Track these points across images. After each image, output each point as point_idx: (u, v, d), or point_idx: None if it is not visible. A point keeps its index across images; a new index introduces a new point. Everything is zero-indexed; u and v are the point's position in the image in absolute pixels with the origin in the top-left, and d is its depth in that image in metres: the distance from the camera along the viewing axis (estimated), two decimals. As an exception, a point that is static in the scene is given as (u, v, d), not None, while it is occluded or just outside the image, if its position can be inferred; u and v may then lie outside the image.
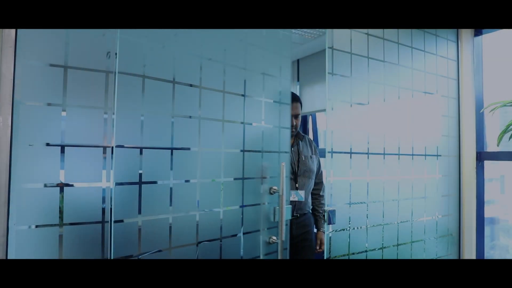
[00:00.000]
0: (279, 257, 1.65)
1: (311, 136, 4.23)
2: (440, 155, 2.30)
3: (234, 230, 1.59)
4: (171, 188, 1.41)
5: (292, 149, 2.20)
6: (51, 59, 1.17)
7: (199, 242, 1.47)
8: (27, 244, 1.13)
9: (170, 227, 1.40)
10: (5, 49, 1.08)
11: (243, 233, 1.62)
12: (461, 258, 2.38)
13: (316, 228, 2.43)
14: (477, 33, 2.57)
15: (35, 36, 1.15)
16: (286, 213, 1.63)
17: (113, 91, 1.26)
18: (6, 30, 1.08)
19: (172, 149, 1.40)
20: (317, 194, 2.43)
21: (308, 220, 2.32)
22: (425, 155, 2.21)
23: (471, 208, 2.40)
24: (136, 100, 1.32)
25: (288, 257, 1.74)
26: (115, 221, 1.26)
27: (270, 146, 1.71)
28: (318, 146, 3.78)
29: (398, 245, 2.04)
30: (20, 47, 1.13)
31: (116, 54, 1.27)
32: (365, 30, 1.94)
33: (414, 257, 2.12)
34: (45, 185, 1.15)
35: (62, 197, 1.18)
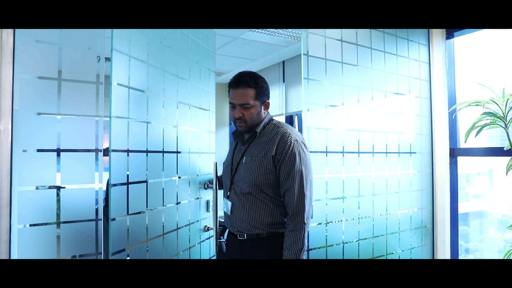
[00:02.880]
0: (214, 243, 1.89)
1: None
2: (414, 152, 2.45)
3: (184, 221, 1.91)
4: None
5: (242, 147, 1.73)
6: (46, 73, 1.29)
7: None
8: (27, 241, 1.25)
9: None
10: (4, 65, 1.20)
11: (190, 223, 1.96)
12: (435, 247, 2.54)
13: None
14: (449, 36, 2.73)
15: (31, 52, 1.26)
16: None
17: (103, 100, 1.39)
18: (5, 47, 1.20)
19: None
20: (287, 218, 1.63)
21: (258, 247, 1.65)
22: (399, 152, 2.36)
23: (444, 201, 2.55)
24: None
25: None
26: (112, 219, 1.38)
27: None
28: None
29: (374, 237, 2.19)
30: (18, 62, 1.24)
31: (107, 59, 1.39)
32: (339, 37, 2.07)
33: (389, 248, 2.27)
34: (43, 187, 1.27)
35: (59, 198, 1.30)
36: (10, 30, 1.23)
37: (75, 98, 1.33)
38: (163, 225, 1.70)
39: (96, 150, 1.37)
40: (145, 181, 1.58)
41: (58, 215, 1.29)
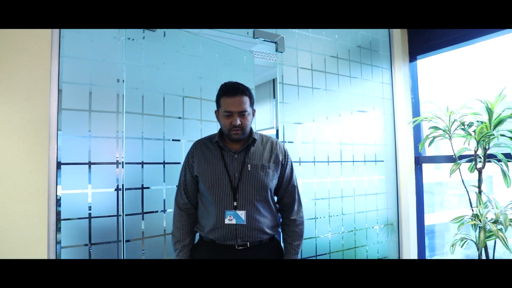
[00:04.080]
0: None
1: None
2: (381, 161, 2.88)
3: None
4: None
5: (236, 156, 1.71)
6: (80, 105, 1.75)
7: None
8: (68, 230, 1.69)
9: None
10: (52, 103, 1.66)
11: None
12: (400, 242, 2.95)
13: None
14: (412, 59, 3.18)
15: (69, 90, 1.72)
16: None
17: (121, 124, 1.84)
18: (53, 88, 1.66)
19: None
20: (286, 217, 1.82)
21: (262, 251, 1.70)
22: (365, 161, 2.79)
23: (408, 202, 2.96)
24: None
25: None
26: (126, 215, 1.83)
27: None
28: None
29: (343, 232, 2.61)
30: (60, 99, 1.70)
31: (123, 80, 1.84)
32: (309, 66, 2.52)
33: (357, 242, 2.68)
34: (78, 191, 1.72)
35: (90, 199, 1.75)
36: (56, 72, 1.68)
37: (101, 123, 1.79)
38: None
39: (117, 163, 1.82)
40: (148, 187, 2.02)
41: (89, 212, 1.74)
